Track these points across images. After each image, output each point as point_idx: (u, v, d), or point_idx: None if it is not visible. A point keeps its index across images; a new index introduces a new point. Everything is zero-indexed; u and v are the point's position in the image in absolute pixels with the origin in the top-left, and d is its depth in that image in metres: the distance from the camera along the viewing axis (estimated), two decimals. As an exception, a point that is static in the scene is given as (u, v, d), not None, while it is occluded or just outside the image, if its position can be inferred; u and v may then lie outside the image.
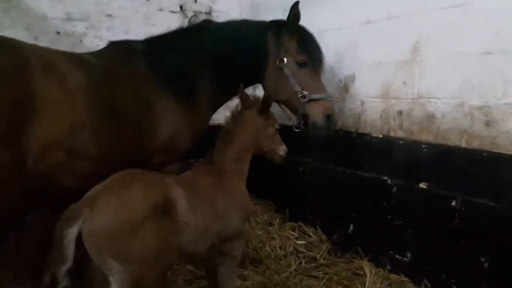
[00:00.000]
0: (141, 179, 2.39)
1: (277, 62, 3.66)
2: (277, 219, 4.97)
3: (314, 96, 3.64)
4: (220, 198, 2.77)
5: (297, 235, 4.63)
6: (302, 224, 4.79)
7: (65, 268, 2.07)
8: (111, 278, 2.20)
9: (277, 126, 3.18)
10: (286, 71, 3.65)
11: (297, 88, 3.64)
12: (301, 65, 3.66)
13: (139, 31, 4.48)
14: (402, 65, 3.70)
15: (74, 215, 2.13)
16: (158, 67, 3.40)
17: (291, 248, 4.39)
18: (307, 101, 3.63)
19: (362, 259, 3.99)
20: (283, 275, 3.90)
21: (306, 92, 3.62)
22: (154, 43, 3.61)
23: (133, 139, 3.09)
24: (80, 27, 4.67)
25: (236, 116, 3.11)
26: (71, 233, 2.08)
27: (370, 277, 3.70)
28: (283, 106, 3.92)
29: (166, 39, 3.68)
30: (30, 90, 2.44)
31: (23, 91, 2.41)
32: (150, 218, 2.22)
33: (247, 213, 3.08)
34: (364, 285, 3.65)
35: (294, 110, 3.79)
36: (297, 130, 3.73)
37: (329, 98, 3.74)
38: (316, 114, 3.64)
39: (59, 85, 2.62)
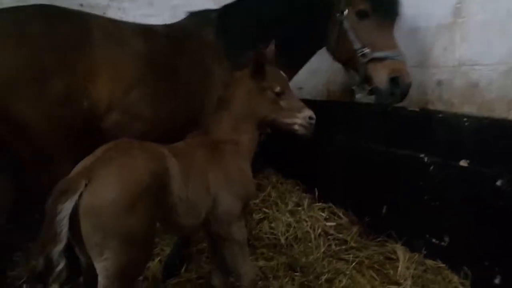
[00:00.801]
0: (139, 147, 2.23)
1: (337, 15, 3.17)
2: (306, 200, 4.76)
3: (376, 55, 3.07)
4: (212, 173, 2.51)
5: (327, 217, 4.43)
6: (332, 205, 4.57)
7: (58, 248, 1.87)
8: (97, 265, 2.01)
9: (278, 89, 2.67)
10: (346, 24, 3.13)
11: (357, 45, 3.12)
12: (362, 16, 3.11)
13: (163, 2, 4.36)
14: (442, 29, 3.41)
15: (70, 188, 1.92)
16: (223, 37, 3.31)
17: (320, 230, 4.20)
18: (369, 61, 3.09)
19: (396, 242, 3.76)
20: (311, 257, 3.76)
21: (367, 50, 3.08)
22: (224, 11, 3.45)
23: (189, 106, 3.13)
24: (103, -1, 4.58)
25: (229, 80, 2.82)
26: (66, 208, 1.87)
27: (403, 261, 3.47)
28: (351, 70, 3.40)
29: (234, 6, 3.48)
30: (91, 55, 2.74)
31: (85, 56, 2.72)
32: (150, 189, 2.07)
33: (245, 193, 2.64)
34: (397, 270, 3.44)
35: (357, 73, 3.29)
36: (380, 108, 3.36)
37: (398, 57, 3.10)
38: (378, 76, 3.07)
39: (116, 51, 2.86)
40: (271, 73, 2.71)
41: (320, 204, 4.62)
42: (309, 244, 3.98)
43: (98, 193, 1.95)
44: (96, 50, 2.77)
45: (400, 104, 3.69)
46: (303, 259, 3.69)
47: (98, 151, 2.17)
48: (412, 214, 3.65)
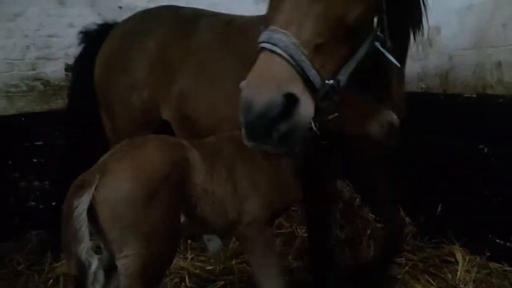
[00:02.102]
0: (155, 138, 2.23)
1: None
2: (356, 200, 4.56)
3: None
4: (240, 170, 2.29)
5: (377, 218, 4.16)
6: (382, 206, 4.28)
7: (84, 246, 1.81)
8: (118, 264, 1.94)
9: None
10: None
11: None
12: None
13: (199, 3, 4.31)
14: (500, 4, 3.12)
15: (85, 183, 1.90)
16: None
17: (370, 232, 3.98)
18: None
19: (453, 244, 3.50)
20: (361, 260, 3.56)
21: None
22: None
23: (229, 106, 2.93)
24: (142, 1, 4.64)
25: None
26: (82, 203, 1.84)
27: (463, 264, 3.23)
28: None
29: None
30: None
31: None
32: (169, 179, 1.99)
33: (278, 198, 2.35)
34: (456, 273, 3.20)
35: None
36: None
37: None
38: None
39: (182, 46, 3.08)
40: None
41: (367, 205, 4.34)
42: (360, 247, 3.79)
43: (112, 185, 1.92)
44: None
45: (454, 91, 3.42)
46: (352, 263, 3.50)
47: (114, 148, 2.17)
48: (472, 213, 3.36)
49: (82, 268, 1.83)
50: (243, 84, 1.60)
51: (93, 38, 3.59)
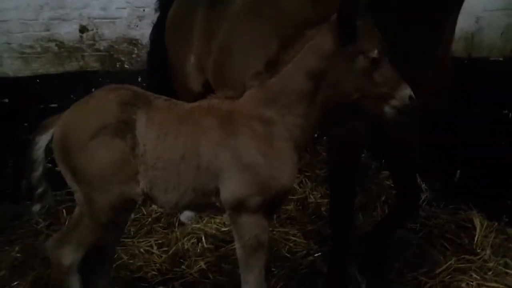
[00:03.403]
0: (100, 96, 2.19)
1: None
2: (372, 167, 4.53)
3: None
4: (208, 145, 1.98)
5: (391, 184, 4.07)
6: (398, 172, 4.24)
7: (36, 174, 2.14)
8: (75, 195, 2.19)
9: (376, 54, 1.83)
10: None
11: None
12: None
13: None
14: None
15: (47, 124, 2.17)
16: None
17: (385, 197, 3.96)
18: None
19: (471, 210, 3.46)
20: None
21: None
22: None
23: None
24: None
25: (290, 38, 1.98)
26: (42, 140, 2.13)
27: (480, 230, 3.20)
28: None
29: None
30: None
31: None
32: (100, 135, 2.04)
33: (262, 185, 1.96)
34: (473, 239, 3.18)
35: None
36: None
37: None
38: None
39: (220, 13, 3.08)
40: (365, 28, 1.84)
41: (386, 172, 4.29)
42: (374, 213, 3.78)
43: (56, 130, 2.13)
44: None
45: (480, 55, 3.29)
46: (366, 228, 3.45)
47: None
48: (492, 179, 3.31)
49: (31, 190, 2.18)
50: None
51: (167, 4, 3.67)
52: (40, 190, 2.19)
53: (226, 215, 2.20)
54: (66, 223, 3.62)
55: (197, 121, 2.04)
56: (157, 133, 2.02)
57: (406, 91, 1.83)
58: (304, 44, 1.92)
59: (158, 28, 3.71)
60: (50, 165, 4.08)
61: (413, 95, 1.83)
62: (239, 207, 2.00)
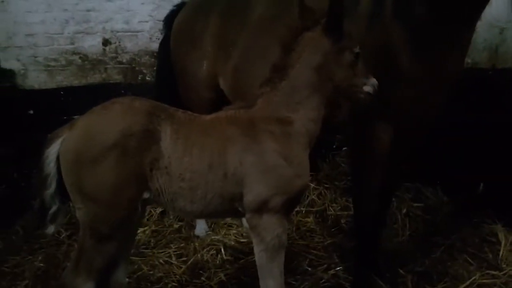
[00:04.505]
0: (124, 103, 2.08)
1: None
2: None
3: None
4: (236, 154, 2.06)
5: (413, 197, 4.13)
6: (419, 185, 4.24)
7: (49, 191, 2.01)
8: (76, 214, 2.08)
9: (358, 49, 2.12)
10: None
11: None
12: None
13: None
14: None
15: (55, 135, 2.05)
16: None
17: (406, 211, 3.91)
18: None
19: (495, 223, 3.39)
20: (395, 239, 3.52)
21: None
22: None
23: None
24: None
25: (289, 44, 2.15)
26: (51, 153, 2.00)
27: (505, 244, 3.14)
28: None
29: None
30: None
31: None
32: (118, 147, 1.94)
33: (287, 185, 2.10)
34: (498, 253, 3.13)
35: None
36: None
37: None
38: None
39: (238, 20, 3.15)
40: (347, 31, 2.13)
41: (406, 184, 4.26)
42: (394, 226, 3.72)
43: (67, 141, 2.01)
44: None
45: (505, 66, 3.25)
46: (387, 243, 3.41)
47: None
48: None
49: (44, 209, 2.05)
50: None
51: (172, 19, 3.74)
52: (53, 209, 2.04)
53: (245, 220, 2.21)
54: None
55: (221, 131, 2.11)
56: (183, 146, 2.04)
57: (374, 80, 2.17)
58: (304, 46, 2.11)
59: (166, 44, 3.74)
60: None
61: (375, 83, 2.18)
62: (261, 208, 2.09)
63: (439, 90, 2.45)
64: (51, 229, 2.10)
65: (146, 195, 2.08)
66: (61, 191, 2.05)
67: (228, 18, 3.25)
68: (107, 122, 2.00)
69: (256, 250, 2.18)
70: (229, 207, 2.16)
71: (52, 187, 2.02)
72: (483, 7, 2.25)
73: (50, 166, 2.01)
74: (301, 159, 2.14)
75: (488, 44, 3.52)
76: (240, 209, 2.16)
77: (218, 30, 3.28)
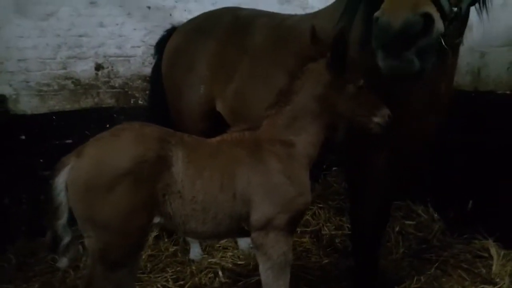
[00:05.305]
0: (134, 129, 2.10)
1: None
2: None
3: None
4: (244, 175, 2.14)
5: (405, 215, 4.20)
6: (409, 203, 4.33)
7: (61, 222, 1.98)
8: (85, 242, 2.05)
9: (362, 83, 2.21)
10: None
11: None
12: None
13: (227, 1, 4.37)
14: None
15: (62, 164, 2.01)
16: None
17: (398, 229, 3.96)
18: None
19: (486, 239, 3.47)
20: (390, 257, 3.55)
21: None
22: None
23: None
24: (170, 0, 4.67)
25: (296, 71, 2.28)
26: (59, 182, 1.96)
27: (498, 259, 3.21)
28: None
29: None
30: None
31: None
32: (131, 174, 1.94)
33: (291, 203, 2.18)
34: (490, 268, 3.18)
35: None
36: None
37: None
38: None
39: (239, 46, 3.22)
40: (351, 64, 2.23)
41: (397, 202, 4.31)
42: (388, 244, 3.76)
43: (76, 170, 1.97)
44: None
45: (487, 89, 3.41)
46: (382, 261, 3.41)
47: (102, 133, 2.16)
48: (505, 208, 3.32)
49: (56, 241, 2.00)
50: (377, 13, 1.85)
51: (163, 44, 3.76)
52: (66, 240, 2.00)
53: (251, 239, 2.25)
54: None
55: (228, 153, 2.20)
56: (195, 169, 2.09)
57: (385, 111, 2.21)
58: (308, 76, 2.23)
59: (158, 69, 3.78)
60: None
61: (390, 114, 2.22)
62: (267, 226, 2.16)
63: (431, 112, 2.55)
64: (64, 262, 2.06)
65: (156, 220, 2.09)
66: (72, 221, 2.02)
67: (227, 43, 3.31)
68: (119, 149, 2.00)
69: (262, 268, 2.23)
70: (236, 227, 2.21)
71: (64, 217, 1.98)
72: None
73: (60, 195, 1.97)
74: (302, 179, 2.24)
75: (470, 68, 3.68)
76: (246, 228, 2.21)
77: (217, 55, 3.34)
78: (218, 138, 2.33)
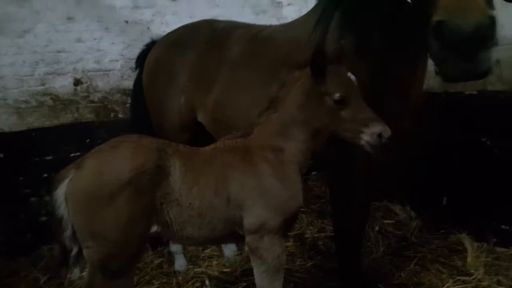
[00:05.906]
0: (132, 141, 2.15)
1: None
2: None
3: None
4: (236, 180, 2.20)
5: (383, 215, 4.31)
6: (388, 203, 4.45)
7: (67, 233, 2.02)
8: (84, 252, 2.08)
9: (337, 97, 2.11)
10: None
11: None
12: None
13: (203, 14, 4.46)
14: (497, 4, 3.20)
15: (61, 176, 2.05)
16: None
17: (378, 228, 4.07)
18: None
19: (460, 233, 3.60)
20: (371, 256, 3.64)
21: None
22: None
23: None
24: (147, 14, 4.75)
25: (285, 79, 2.32)
26: (59, 195, 2.01)
27: (471, 251, 3.33)
28: None
29: None
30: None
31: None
32: (132, 184, 1.99)
33: (283, 207, 2.22)
34: (465, 260, 3.30)
35: None
36: None
37: None
38: None
39: (217, 57, 3.28)
40: (335, 75, 2.17)
41: (375, 203, 4.44)
42: (368, 243, 3.85)
43: (75, 181, 2.02)
44: None
45: (456, 90, 3.55)
46: (364, 260, 3.52)
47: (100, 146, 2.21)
48: (477, 202, 3.47)
49: (65, 252, 2.06)
50: (440, 17, 1.80)
51: (144, 57, 3.81)
52: (74, 251, 2.04)
53: (246, 242, 2.29)
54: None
55: (221, 159, 2.26)
56: (191, 177, 2.16)
57: (376, 129, 2.07)
58: (293, 83, 2.26)
59: (139, 82, 3.83)
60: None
61: (384, 133, 2.07)
62: (261, 230, 2.20)
63: (405, 114, 2.64)
64: (76, 273, 2.10)
65: (154, 228, 2.15)
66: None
67: (206, 55, 3.38)
68: (119, 160, 2.05)
69: (257, 272, 2.28)
70: (230, 232, 2.27)
71: (69, 229, 2.02)
72: None
73: (61, 208, 2.02)
74: (293, 182, 2.27)
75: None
76: (240, 232, 2.27)
77: (196, 66, 3.41)
78: (211, 146, 2.41)
